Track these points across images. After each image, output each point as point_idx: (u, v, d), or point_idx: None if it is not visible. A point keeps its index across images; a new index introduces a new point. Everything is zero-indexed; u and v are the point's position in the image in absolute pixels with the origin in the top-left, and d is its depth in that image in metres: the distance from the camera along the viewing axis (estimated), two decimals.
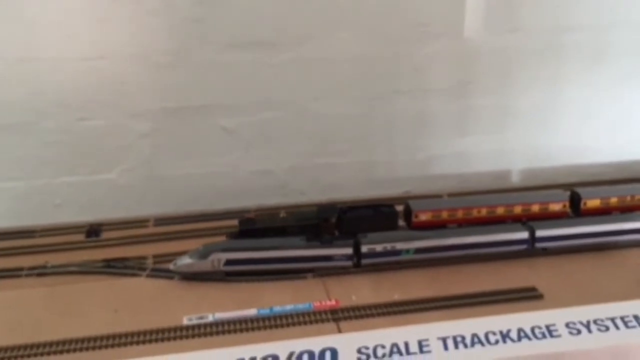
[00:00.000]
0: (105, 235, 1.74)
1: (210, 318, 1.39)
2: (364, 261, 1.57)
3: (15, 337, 1.33)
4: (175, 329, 1.36)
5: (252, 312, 1.41)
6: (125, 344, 1.32)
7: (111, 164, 1.80)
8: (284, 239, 1.59)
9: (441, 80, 1.87)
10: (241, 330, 1.37)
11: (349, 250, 1.56)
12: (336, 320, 1.38)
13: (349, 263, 1.57)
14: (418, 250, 1.59)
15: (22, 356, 1.28)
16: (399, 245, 1.58)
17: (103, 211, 1.80)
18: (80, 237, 1.72)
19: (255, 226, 1.65)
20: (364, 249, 1.57)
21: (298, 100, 1.83)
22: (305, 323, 1.38)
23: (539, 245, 1.64)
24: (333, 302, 1.44)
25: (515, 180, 2.05)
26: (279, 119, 1.84)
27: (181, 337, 1.34)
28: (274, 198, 1.89)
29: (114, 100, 1.74)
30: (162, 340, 1.33)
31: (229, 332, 1.36)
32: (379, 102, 1.87)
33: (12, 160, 1.74)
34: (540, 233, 1.63)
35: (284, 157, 1.89)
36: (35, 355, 1.29)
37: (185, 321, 1.38)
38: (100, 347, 1.31)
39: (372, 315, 1.39)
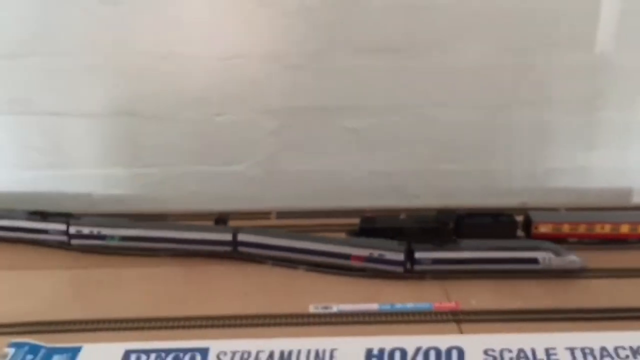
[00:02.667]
0: (231, 224, 1.83)
1: (334, 308, 1.46)
2: (73, 241, 1.67)
3: (156, 310, 1.44)
4: (302, 316, 1.43)
5: (373, 306, 1.47)
6: (255, 325, 1.40)
7: (241, 157, 1.91)
8: (9, 211, 1.72)
9: (568, 93, 1.86)
10: (363, 323, 1.42)
11: (62, 227, 1.67)
12: (457, 322, 1.41)
13: (65, 238, 1.67)
14: (124, 238, 1.66)
15: (162, 327, 1.38)
16: (105, 231, 1.66)
17: (230, 201, 1.91)
18: (209, 224, 1.83)
19: (375, 225, 1.72)
20: (72, 230, 1.67)
21: (421, 105, 1.87)
22: (425, 322, 1.42)
23: None
24: (453, 304, 1.47)
25: (637, 199, 1.99)
26: (401, 122, 1.89)
27: (308, 324, 1.41)
28: (389, 199, 1.94)
29: (247, 97, 1.85)
30: (290, 324, 1.41)
31: (352, 323, 1.42)
32: (501, 111, 1.88)
33: (153, 148, 1.88)
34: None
35: (403, 160, 1.94)
36: (173, 328, 1.38)
37: (311, 309, 1.46)
38: (231, 326, 1.40)
39: (493, 321, 1.40)
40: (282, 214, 1.91)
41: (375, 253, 1.58)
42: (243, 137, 1.88)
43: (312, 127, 1.88)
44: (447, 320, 1.42)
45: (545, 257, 1.57)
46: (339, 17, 1.77)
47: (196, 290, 1.54)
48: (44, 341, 1.29)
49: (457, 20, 1.77)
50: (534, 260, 1.57)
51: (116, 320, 1.39)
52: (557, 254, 1.57)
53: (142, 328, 1.37)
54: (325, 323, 1.42)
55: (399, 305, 1.47)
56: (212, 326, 1.39)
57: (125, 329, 1.37)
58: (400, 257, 1.57)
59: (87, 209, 1.85)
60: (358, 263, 1.59)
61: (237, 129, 1.87)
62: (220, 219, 1.85)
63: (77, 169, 1.89)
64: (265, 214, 1.91)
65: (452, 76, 1.83)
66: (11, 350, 1.22)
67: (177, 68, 1.80)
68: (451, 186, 1.95)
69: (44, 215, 1.71)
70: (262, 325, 1.40)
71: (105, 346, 1.26)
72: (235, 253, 1.66)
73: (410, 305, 1.47)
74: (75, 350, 1.24)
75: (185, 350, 1.25)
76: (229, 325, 1.40)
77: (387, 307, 1.46)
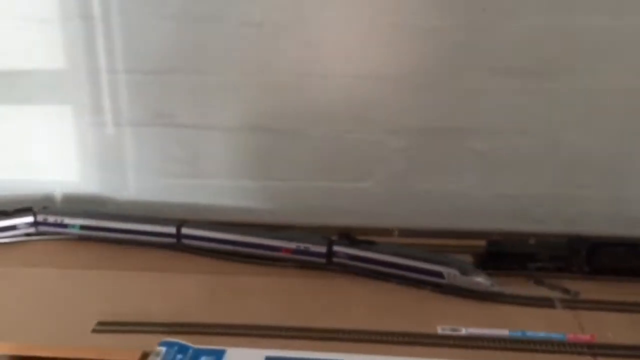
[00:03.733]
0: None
1: (463, 331, 1.46)
2: (40, 228, 1.90)
3: (288, 319, 1.49)
4: (430, 336, 1.44)
5: (503, 332, 1.45)
6: (384, 342, 1.42)
7: (366, 174, 1.94)
8: None
9: None
10: (493, 348, 1.41)
11: (29, 220, 1.89)
12: (594, 355, 1.37)
13: (33, 230, 1.90)
14: (83, 227, 1.87)
15: (296, 337, 1.43)
16: (66, 220, 1.88)
17: (353, 217, 1.95)
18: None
19: (503, 249, 1.70)
20: (40, 218, 1.89)
21: (553, 129, 1.83)
22: (559, 352, 1.39)
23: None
24: (588, 337, 1.43)
25: None
26: (530, 146, 1.86)
27: (436, 345, 1.42)
28: (514, 223, 1.90)
29: (376, 116, 1.88)
30: (419, 344, 1.42)
31: (481, 348, 1.41)
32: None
33: (283, 162, 1.95)
34: None
35: (529, 184, 1.90)
36: (305, 338, 1.43)
37: (439, 330, 1.46)
38: (361, 341, 1.42)
39: (634, 357, 1.36)
40: (404, 232, 1.93)
41: (302, 246, 1.75)
42: (370, 155, 1.92)
43: (438, 147, 1.89)
44: (582, 353, 1.38)
45: (450, 272, 1.60)
46: (472, 38, 1.78)
47: (323, 302, 1.59)
48: (188, 342, 1.37)
49: (599, 42, 1.73)
50: (439, 274, 1.62)
51: (252, 327, 1.46)
52: (463, 272, 1.60)
53: (276, 336, 1.43)
54: (454, 346, 1.42)
55: (530, 333, 1.44)
56: (343, 339, 1.43)
57: (260, 335, 1.44)
58: (323, 249, 1.73)
59: (218, 217, 1.96)
60: (288, 254, 1.76)
61: (365, 146, 1.91)
62: (344, 234, 1.89)
63: (212, 179, 2.00)
64: (387, 231, 1.94)
65: (589, 100, 1.78)
66: (163, 349, 1.31)
67: (312, 86, 1.87)
68: (580, 212, 1.89)
69: (6, 213, 1.88)
70: (391, 342, 1.42)
71: (247, 351, 1.33)
72: (179, 245, 1.85)
73: (542, 334, 1.44)
74: (220, 353, 1.31)
75: None
76: (359, 340, 1.43)
77: (517, 334, 1.45)
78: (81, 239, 1.90)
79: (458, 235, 1.89)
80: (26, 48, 1.92)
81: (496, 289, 1.58)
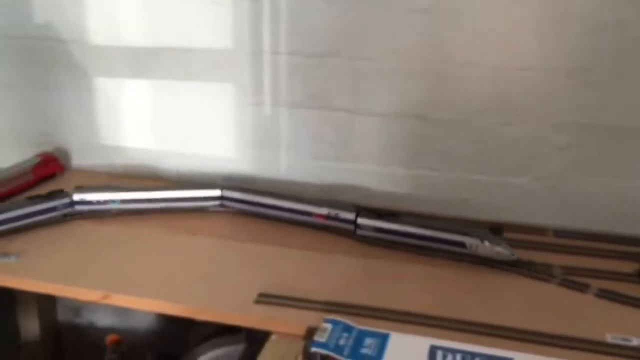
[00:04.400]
0: (505, 235, 1.81)
1: (634, 342, 1.38)
2: (77, 207, 1.86)
3: (439, 310, 1.48)
4: (597, 343, 1.37)
5: None
6: (543, 343, 1.37)
7: (523, 169, 1.88)
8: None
9: None
10: None
11: (67, 200, 1.85)
12: None
13: (70, 210, 1.86)
14: (123, 202, 1.87)
15: (447, 328, 1.41)
16: (106, 197, 1.87)
17: (503, 212, 1.90)
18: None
19: None
20: (76, 197, 1.86)
21: None
22: None
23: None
24: None
25: None
26: None
27: (604, 353, 1.35)
28: None
29: (538, 110, 1.81)
30: (585, 350, 1.35)
31: None
32: None
33: (434, 152, 1.92)
34: None
35: None
36: (465, 331, 1.40)
37: (609, 338, 1.39)
38: (525, 341, 1.37)
39: None
40: (560, 233, 1.85)
41: (333, 212, 1.79)
42: (528, 150, 1.85)
43: (607, 146, 1.79)
44: None
45: (472, 242, 1.64)
46: None
47: (478, 296, 1.55)
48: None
49: None
50: (462, 244, 1.66)
51: (409, 314, 1.46)
52: (484, 242, 1.64)
53: (436, 326, 1.42)
54: (624, 356, 1.34)
55: None
56: (505, 337, 1.38)
57: (416, 323, 1.43)
58: (352, 216, 1.77)
59: (364, 202, 1.97)
60: (321, 220, 1.82)
61: (524, 141, 1.84)
62: (494, 229, 1.84)
63: (360, 163, 2.01)
64: (541, 230, 1.87)
65: None
66: (329, 326, 1.33)
67: (474, 76, 1.82)
68: None
69: (44, 197, 1.83)
70: (557, 346, 1.36)
71: (412, 337, 1.32)
72: (222, 207, 1.93)
73: None
74: (385, 337, 1.32)
75: (491, 357, 1.26)
76: (523, 340, 1.37)
77: None
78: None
79: (621, 241, 1.79)
80: (196, 27, 2.02)
81: (516, 257, 1.63)
